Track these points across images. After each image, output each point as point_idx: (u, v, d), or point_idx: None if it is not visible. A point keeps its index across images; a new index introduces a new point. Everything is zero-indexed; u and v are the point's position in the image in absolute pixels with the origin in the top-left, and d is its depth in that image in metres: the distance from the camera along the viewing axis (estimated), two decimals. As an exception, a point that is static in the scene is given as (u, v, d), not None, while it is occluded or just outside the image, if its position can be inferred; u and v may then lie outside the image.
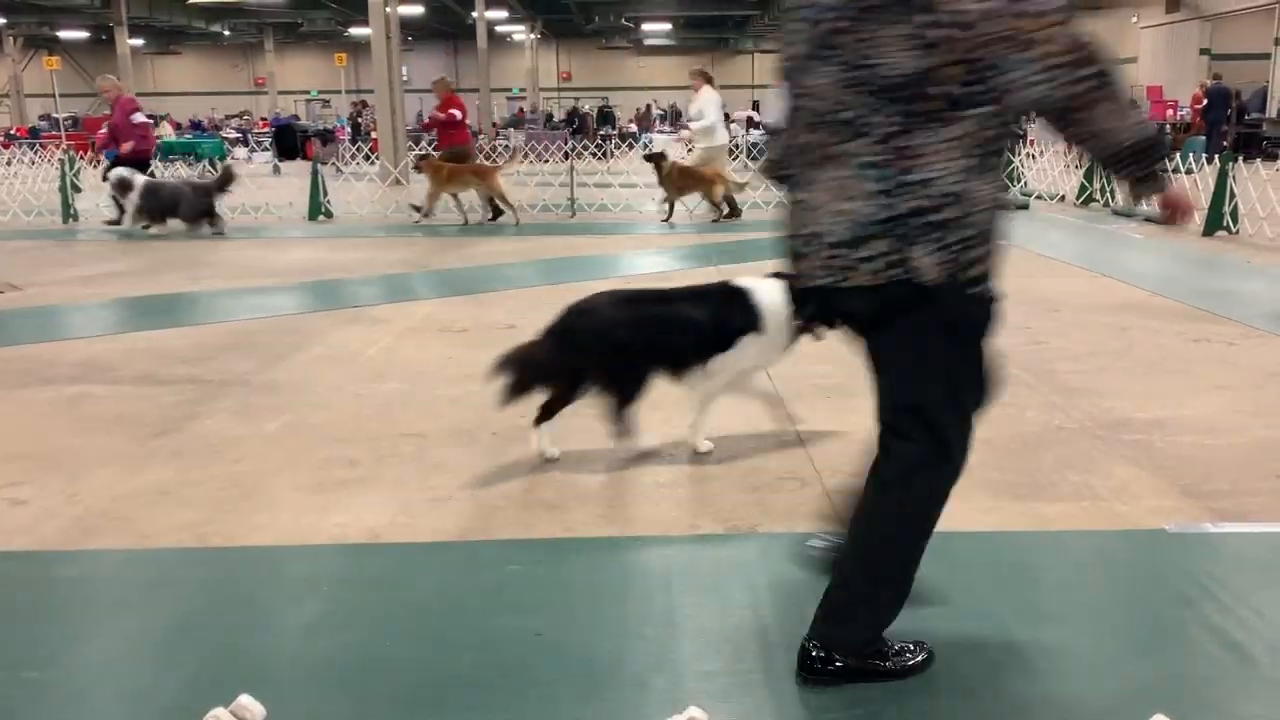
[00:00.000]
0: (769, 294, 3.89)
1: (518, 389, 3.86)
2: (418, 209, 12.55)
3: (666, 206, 12.54)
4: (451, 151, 13.20)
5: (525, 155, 18.48)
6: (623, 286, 4.19)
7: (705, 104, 12.47)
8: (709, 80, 12.61)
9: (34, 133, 32.30)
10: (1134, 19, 33.33)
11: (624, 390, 3.85)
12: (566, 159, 17.48)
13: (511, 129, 30.27)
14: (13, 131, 34.16)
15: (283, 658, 2.59)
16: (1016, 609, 2.77)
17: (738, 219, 12.31)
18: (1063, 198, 13.88)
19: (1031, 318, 6.47)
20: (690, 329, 3.86)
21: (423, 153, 13.13)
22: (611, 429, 3.90)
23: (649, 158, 12.89)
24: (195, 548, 3.26)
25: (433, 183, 12.39)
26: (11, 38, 40.67)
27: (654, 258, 9.71)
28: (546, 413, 3.96)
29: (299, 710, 2.33)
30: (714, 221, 12.26)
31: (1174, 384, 4.98)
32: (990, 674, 2.46)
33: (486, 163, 14.21)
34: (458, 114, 13.33)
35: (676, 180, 12.33)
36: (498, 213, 12.51)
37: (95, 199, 14.69)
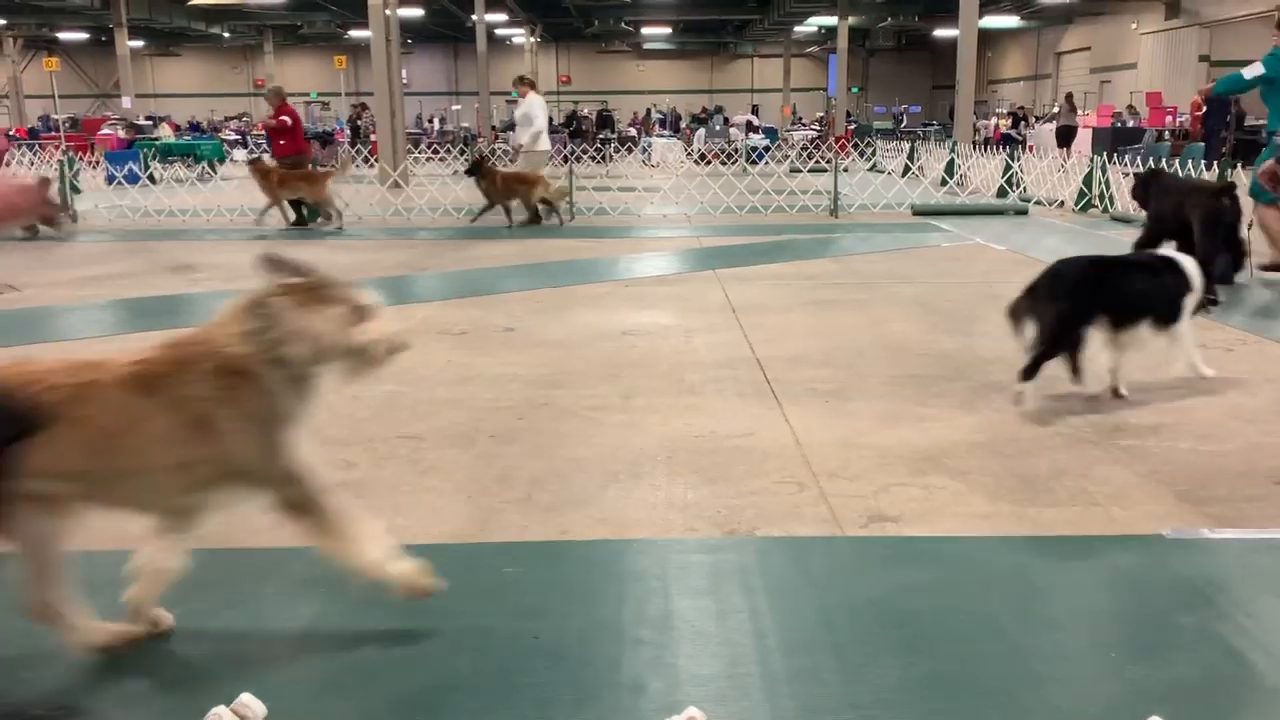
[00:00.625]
0: (1190, 266, 4.74)
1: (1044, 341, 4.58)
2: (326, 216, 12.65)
3: (493, 212, 12.77)
4: (288, 159, 13.30)
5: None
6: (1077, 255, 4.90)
7: (533, 109, 13.02)
8: (534, 86, 13.24)
9: (33, 134, 32.28)
10: (1133, 25, 33.41)
11: (1077, 342, 4.63)
12: (565, 162, 17.50)
13: (510, 132, 30.25)
14: (12, 132, 34.15)
15: (280, 659, 2.58)
16: (1013, 614, 2.77)
17: (538, 224, 12.46)
18: (1061, 203, 13.89)
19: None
20: (1150, 290, 4.68)
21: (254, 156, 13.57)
22: (1073, 378, 4.67)
23: (470, 171, 13.14)
24: (193, 548, 3.25)
25: (263, 188, 12.58)
26: (11, 39, 40.68)
27: (653, 261, 9.72)
28: (1033, 369, 4.58)
29: (297, 711, 2.32)
30: (523, 224, 12.46)
31: (1171, 389, 4.98)
32: (987, 678, 2.46)
33: (320, 169, 14.37)
34: (288, 120, 13.52)
35: (502, 187, 12.59)
36: (314, 217, 12.64)
37: (95, 200, 14.69)
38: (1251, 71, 8.85)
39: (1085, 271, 4.65)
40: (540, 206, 12.48)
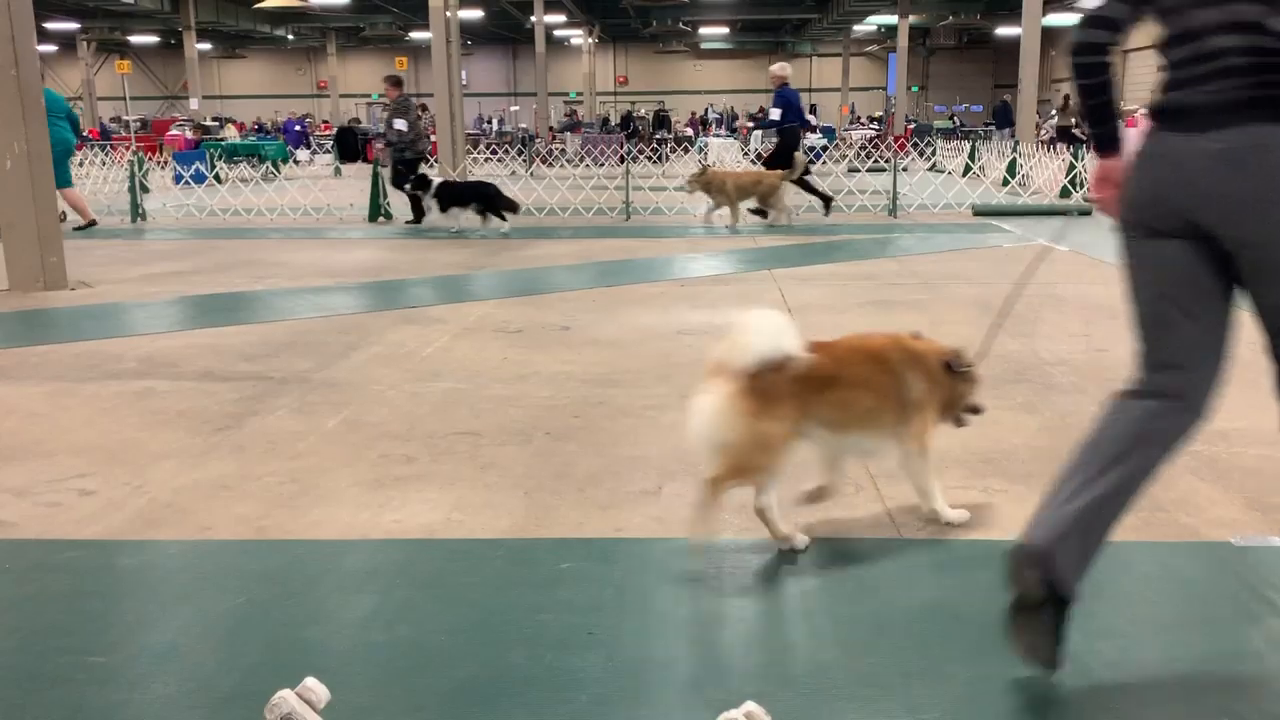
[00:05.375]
0: None
1: None
2: None
3: None
4: None
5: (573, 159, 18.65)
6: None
7: None
8: None
9: (105, 134, 33.16)
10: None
11: None
12: (622, 163, 17.54)
13: (568, 133, 30.42)
14: (85, 133, 35.09)
15: (339, 649, 2.63)
16: (1075, 620, 2.72)
17: None
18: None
19: (1091, 324, 6.36)
20: None
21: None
22: None
23: None
24: (254, 540, 3.33)
25: None
26: (85, 42, 41.79)
27: (708, 261, 9.71)
28: None
29: (354, 701, 2.36)
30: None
31: (1239, 394, 4.84)
32: (1047, 684, 2.42)
33: None
34: None
35: None
36: None
37: (163, 199, 15.04)
38: None
39: None
40: None
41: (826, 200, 13.18)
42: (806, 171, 13.06)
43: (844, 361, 3.14)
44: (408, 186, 12.66)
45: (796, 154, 12.61)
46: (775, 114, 12.96)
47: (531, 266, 9.47)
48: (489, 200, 11.99)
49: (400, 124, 12.97)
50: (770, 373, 2.91)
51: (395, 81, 13.49)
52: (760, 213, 12.63)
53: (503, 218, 11.93)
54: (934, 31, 43.58)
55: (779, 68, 13.55)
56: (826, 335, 6.22)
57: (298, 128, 33.84)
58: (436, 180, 12.22)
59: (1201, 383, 2.35)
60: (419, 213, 12.75)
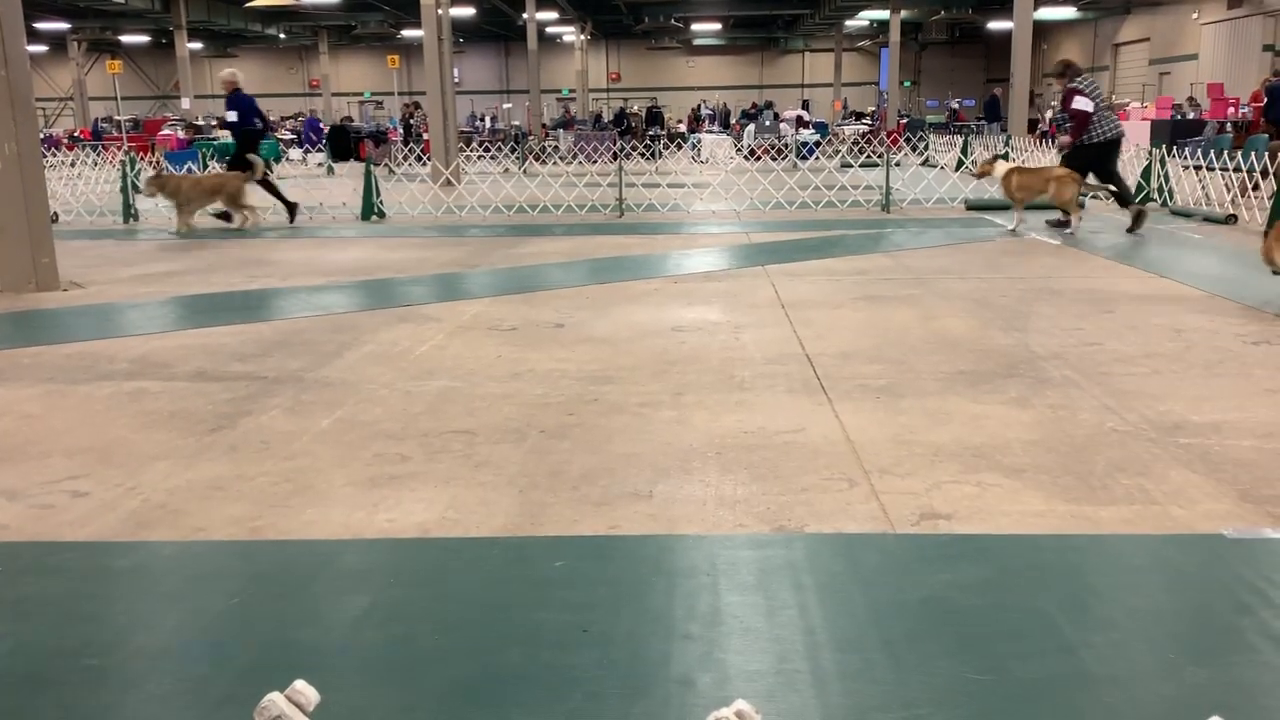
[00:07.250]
0: None
1: None
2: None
3: None
4: None
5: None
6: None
7: None
8: None
9: (96, 134, 33.06)
10: (1194, 15, 32.69)
11: None
12: (615, 159, 17.53)
13: (560, 130, 30.39)
14: (76, 134, 34.98)
15: (333, 649, 2.62)
16: (1068, 613, 2.73)
17: None
18: (1119, 197, 13.62)
19: (1084, 318, 6.37)
20: None
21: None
22: None
23: None
24: (248, 540, 3.32)
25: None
26: (76, 42, 41.66)
27: (703, 257, 9.71)
28: None
29: (349, 701, 2.36)
30: None
31: (1232, 386, 4.87)
32: (1040, 678, 2.43)
33: None
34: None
35: None
36: None
37: (155, 199, 14.99)
38: None
39: None
40: None
41: (290, 207, 13.24)
42: (268, 174, 13.51)
43: None
44: None
45: (252, 156, 12.73)
46: (232, 116, 13.18)
47: (525, 264, 9.47)
48: None
49: None
50: None
51: None
52: (225, 216, 12.79)
53: None
54: (926, 26, 43.62)
55: (228, 74, 13.60)
56: (820, 330, 6.23)
57: (320, 125, 33.37)
58: None
59: None
60: None
